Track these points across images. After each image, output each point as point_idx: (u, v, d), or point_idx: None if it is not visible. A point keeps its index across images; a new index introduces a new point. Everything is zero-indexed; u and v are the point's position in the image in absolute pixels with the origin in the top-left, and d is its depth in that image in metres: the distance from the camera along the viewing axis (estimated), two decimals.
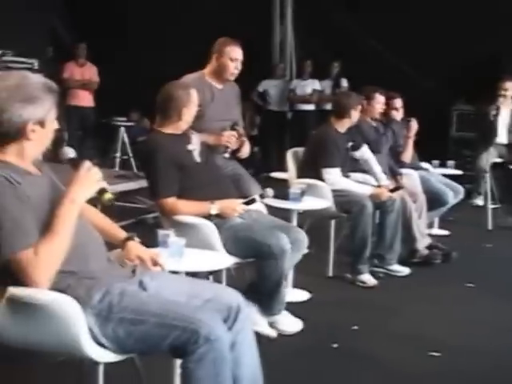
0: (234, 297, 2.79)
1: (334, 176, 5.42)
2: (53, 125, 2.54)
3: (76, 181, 2.49)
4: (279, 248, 3.86)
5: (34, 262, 2.35)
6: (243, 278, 4.30)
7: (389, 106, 6.35)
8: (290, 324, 4.22)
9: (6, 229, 2.34)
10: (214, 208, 3.90)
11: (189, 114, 3.94)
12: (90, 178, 2.51)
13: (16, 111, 2.41)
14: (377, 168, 5.83)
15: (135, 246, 2.92)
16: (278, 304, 4.13)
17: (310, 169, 5.48)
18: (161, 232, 3.32)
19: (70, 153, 2.66)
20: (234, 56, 4.70)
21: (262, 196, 4.24)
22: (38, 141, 2.51)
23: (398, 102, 6.48)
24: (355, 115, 5.58)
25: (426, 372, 3.81)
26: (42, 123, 2.48)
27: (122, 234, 2.97)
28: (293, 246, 4.02)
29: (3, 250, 2.35)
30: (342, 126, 5.58)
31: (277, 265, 3.90)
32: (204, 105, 4.57)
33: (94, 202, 2.67)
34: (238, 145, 4.79)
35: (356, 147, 5.76)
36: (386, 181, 5.79)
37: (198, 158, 4.02)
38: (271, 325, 4.14)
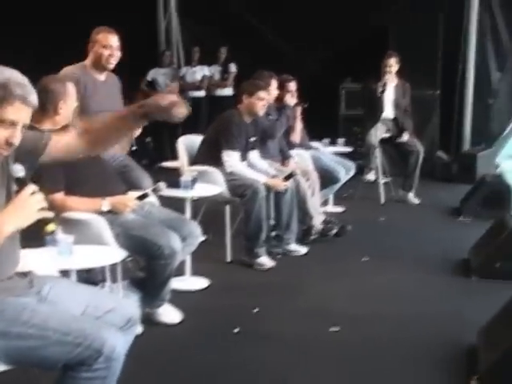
0: (134, 309, 2.75)
1: (233, 159, 5.42)
2: None
3: (12, 207, 2.21)
4: (170, 249, 3.84)
5: None
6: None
7: (283, 89, 6.35)
8: (169, 316, 4.16)
9: None
10: (106, 204, 3.82)
11: (66, 107, 3.79)
12: (30, 207, 2.20)
13: None
14: (263, 166, 5.81)
15: None
16: (159, 300, 4.10)
17: (209, 152, 5.47)
18: None
19: (18, 171, 2.29)
20: (107, 43, 4.63)
21: (154, 190, 4.18)
22: None
23: (293, 85, 6.51)
24: (251, 102, 5.50)
25: (327, 346, 3.87)
26: None
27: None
28: (186, 239, 4.04)
29: None
30: (245, 113, 5.56)
31: (166, 265, 3.88)
32: (87, 96, 4.46)
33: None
34: None
35: (252, 147, 5.76)
36: (272, 172, 5.75)
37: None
38: (150, 316, 4.10)
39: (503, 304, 3.77)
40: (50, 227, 2.22)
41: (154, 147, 10.71)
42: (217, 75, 10.36)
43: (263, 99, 5.51)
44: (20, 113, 2.32)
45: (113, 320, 2.60)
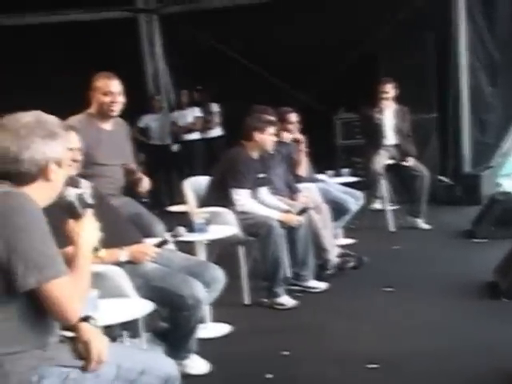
0: (171, 366, 2.56)
1: (243, 197, 5.23)
2: (67, 166, 2.35)
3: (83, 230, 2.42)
4: (193, 299, 3.63)
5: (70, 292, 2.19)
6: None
7: (285, 121, 6.24)
8: (197, 367, 3.93)
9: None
10: (124, 254, 3.60)
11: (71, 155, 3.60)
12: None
13: (38, 148, 2.19)
14: (274, 202, 5.60)
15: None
16: (185, 352, 3.88)
17: (218, 192, 5.28)
18: None
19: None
20: (108, 89, 4.47)
21: (174, 236, 3.96)
22: (55, 183, 2.29)
23: (294, 116, 6.41)
24: (263, 138, 5.36)
25: None
26: (59, 163, 2.26)
27: None
28: (210, 285, 3.84)
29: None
30: (253, 150, 5.39)
31: (190, 316, 3.68)
32: (92, 147, 4.26)
33: None
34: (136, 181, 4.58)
35: (261, 183, 5.58)
36: (284, 207, 5.55)
37: (89, 200, 3.69)
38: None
39: None
40: (102, 252, 2.48)
41: (151, 194, 10.49)
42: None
43: (273, 135, 5.36)
44: None
45: (148, 382, 2.39)
